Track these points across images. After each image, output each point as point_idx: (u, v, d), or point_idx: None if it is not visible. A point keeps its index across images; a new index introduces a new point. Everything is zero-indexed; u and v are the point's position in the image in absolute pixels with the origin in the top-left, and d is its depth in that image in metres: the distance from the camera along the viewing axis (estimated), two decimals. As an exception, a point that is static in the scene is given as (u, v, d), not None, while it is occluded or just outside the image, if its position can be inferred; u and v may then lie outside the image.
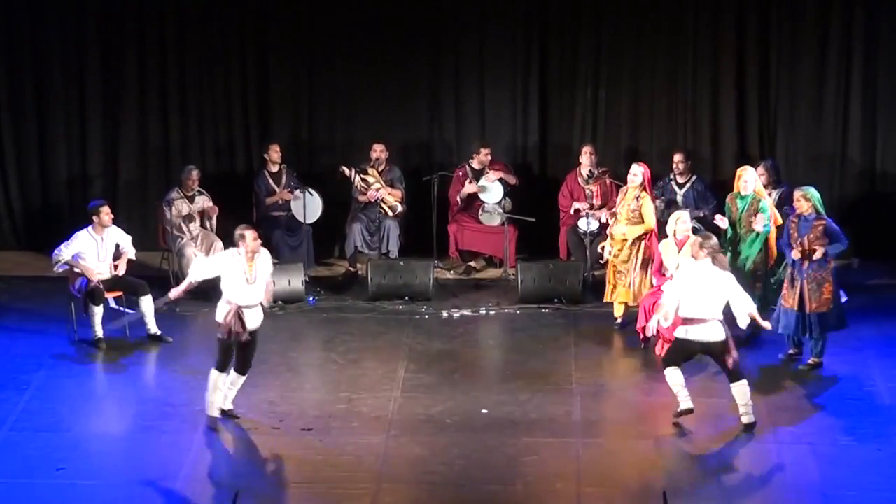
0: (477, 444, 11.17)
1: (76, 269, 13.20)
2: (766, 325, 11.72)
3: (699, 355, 11.51)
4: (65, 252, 13.19)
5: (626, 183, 13.68)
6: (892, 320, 13.74)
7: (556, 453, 11.05)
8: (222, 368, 11.35)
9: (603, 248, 13.63)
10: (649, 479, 10.60)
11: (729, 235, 13.23)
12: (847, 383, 12.27)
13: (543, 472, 10.76)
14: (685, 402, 11.34)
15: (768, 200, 13.44)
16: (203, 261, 12.47)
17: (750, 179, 13.26)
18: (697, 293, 11.16)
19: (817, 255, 12.34)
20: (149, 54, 15.87)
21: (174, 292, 11.75)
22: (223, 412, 11.50)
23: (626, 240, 13.43)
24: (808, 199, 12.48)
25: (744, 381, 11.31)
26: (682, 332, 11.28)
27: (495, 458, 10.98)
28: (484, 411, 11.77)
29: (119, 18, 15.79)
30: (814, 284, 12.41)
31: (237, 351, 11.36)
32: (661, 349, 12.89)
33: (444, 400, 12.02)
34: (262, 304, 11.43)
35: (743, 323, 11.33)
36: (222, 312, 11.27)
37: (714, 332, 11.17)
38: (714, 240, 11.44)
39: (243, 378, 11.52)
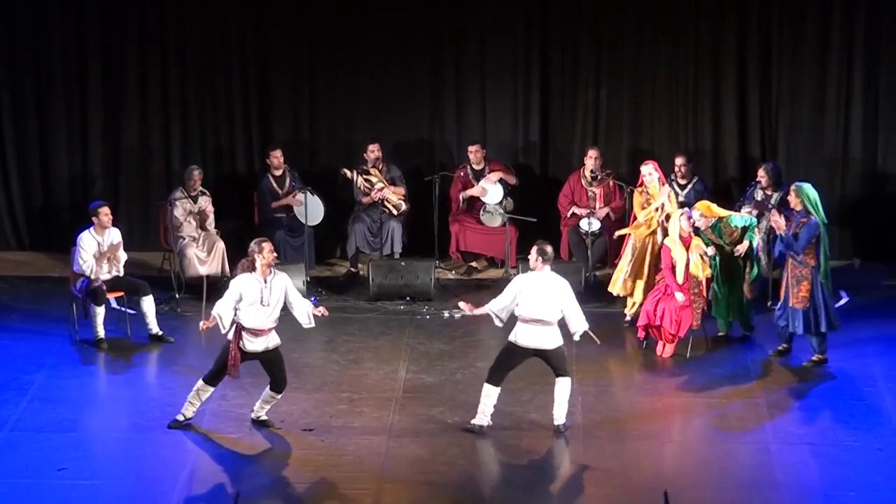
0: (478, 444, 11.19)
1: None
2: (597, 340, 11.62)
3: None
4: (84, 263, 13.12)
5: (629, 184, 13.64)
6: (892, 320, 13.75)
7: (558, 453, 11.06)
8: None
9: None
10: (650, 479, 10.60)
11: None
12: (847, 383, 12.28)
13: (545, 472, 10.78)
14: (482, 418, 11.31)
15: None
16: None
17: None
18: (537, 298, 11.09)
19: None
20: (150, 55, 15.86)
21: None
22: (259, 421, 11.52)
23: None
24: (797, 194, 12.51)
25: (567, 379, 11.27)
26: (513, 337, 11.21)
27: (496, 459, 11.00)
28: (485, 411, 11.78)
29: (120, 19, 15.79)
30: (793, 280, 12.48)
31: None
32: (661, 349, 12.91)
33: (445, 400, 12.03)
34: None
35: (576, 335, 11.29)
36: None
37: (551, 339, 11.16)
38: (550, 249, 11.28)
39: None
